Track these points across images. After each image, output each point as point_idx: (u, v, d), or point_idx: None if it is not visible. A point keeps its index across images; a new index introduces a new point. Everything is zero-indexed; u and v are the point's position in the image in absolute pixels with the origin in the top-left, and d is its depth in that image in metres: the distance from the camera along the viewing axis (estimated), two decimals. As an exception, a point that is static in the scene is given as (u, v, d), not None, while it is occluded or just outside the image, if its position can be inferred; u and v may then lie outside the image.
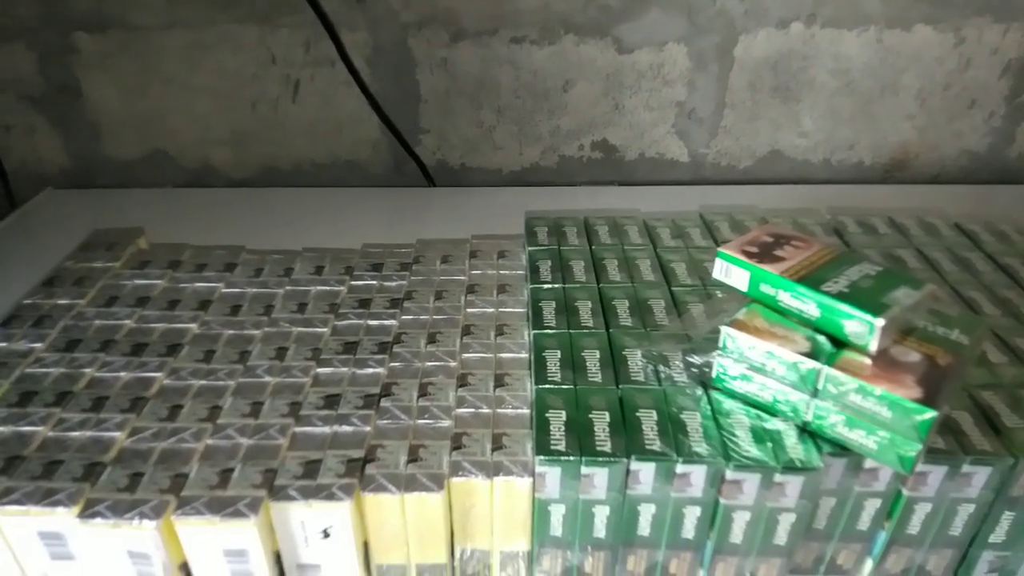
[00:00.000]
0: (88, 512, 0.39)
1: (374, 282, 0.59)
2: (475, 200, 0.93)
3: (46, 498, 0.39)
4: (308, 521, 0.40)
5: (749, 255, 0.43)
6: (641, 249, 0.59)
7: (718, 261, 0.44)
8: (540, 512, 0.41)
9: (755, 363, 0.42)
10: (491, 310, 0.54)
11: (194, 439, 0.43)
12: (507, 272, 0.59)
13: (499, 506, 0.41)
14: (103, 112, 0.95)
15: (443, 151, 0.98)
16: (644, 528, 0.42)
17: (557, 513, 0.42)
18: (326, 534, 0.41)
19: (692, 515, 0.41)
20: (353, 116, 0.93)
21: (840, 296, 0.40)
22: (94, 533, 0.39)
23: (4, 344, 0.51)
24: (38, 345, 0.51)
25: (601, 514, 0.41)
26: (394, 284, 0.58)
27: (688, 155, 0.98)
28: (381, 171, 0.99)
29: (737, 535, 0.42)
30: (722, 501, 0.41)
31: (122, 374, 0.49)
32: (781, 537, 0.42)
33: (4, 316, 0.55)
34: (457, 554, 0.44)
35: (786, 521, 0.41)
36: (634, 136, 0.97)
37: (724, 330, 0.42)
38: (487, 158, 0.98)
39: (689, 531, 0.42)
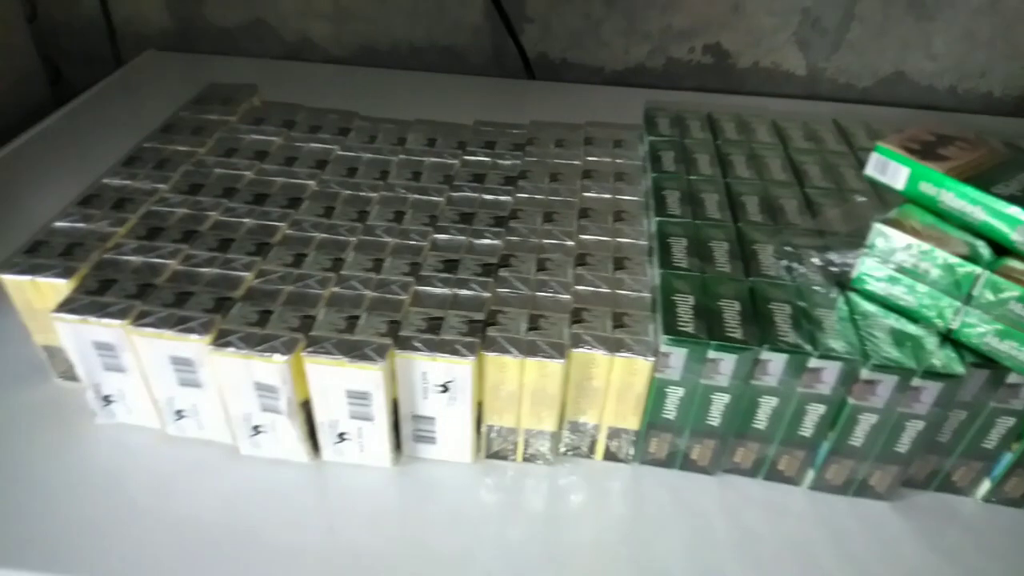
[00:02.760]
0: (221, 341, 0.40)
1: (487, 159, 0.57)
2: (574, 96, 0.90)
3: (179, 324, 0.41)
4: (430, 373, 0.40)
5: (911, 151, 0.40)
6: (771, 148, 0.56)
7: (874, 156, 0.42)
8: (656, 393, 0.41)
9: (904, 264, 0.40)
10: (608, 196, 0.53)
11: (319, 286, 0.44)
12: (623, 161, 0.57)
13: (616, 382, 0.41)
14: (211, -28, 0.94)
15: (545, 43, 0.94)
16: (761, 421, 0.42)
17: (674, 396, 0.41)
18: (445, 388, 0.41)
19: (815, 413, 0.41)
20: (458, -3, 0.90)
21: (1012, 199, 0.37)
22: (225, 362, 0.40)
23: (128, 181, 0.52)
24: (161, 186, 0.52)
25: (719, 402, 0.41)
26: (508, 163, 0.57)
27: (806, 68, 0.92)
28: (479, 60, 0.96)
29: (858, 437, 0.41)
30: (851, 401, 0.39)
31: (246, 220, 0.49)
32: (904, 444, 0.41)
33: (123, 158, 0.55)
34: (565, 424, 0.44)
35: (912, 429, 0.40)
36: (751, 42, 0.91)
37: (876, 227, 0.40)
38: (590, 54, 0.95)
39: (808, 428, 0.41)
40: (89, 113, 0.82)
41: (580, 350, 0.40)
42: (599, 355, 0.40)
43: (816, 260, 0.44)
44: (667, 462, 0.44)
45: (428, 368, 0.40)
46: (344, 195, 0.52)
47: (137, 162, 0.54)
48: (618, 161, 0.57)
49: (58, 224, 0.48)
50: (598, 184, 0.54)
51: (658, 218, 0.48)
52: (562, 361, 0.40)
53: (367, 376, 0.40)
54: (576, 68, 0.96)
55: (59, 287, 0.43)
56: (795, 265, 0.44)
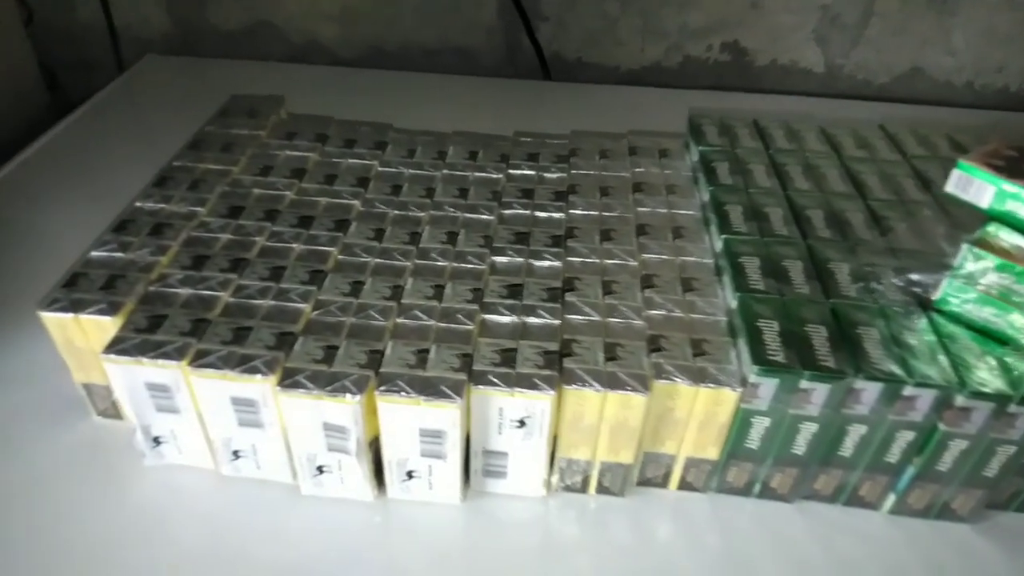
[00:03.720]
0: (288, 382, 0.38)
1: (532, 172, 0.55)
2: (592, 97, 0.88)
3: (242, 364, 0.38)
4: (507, 409, 0.39)
5: (995, 168, 0.39)
6: (825, 157, 0.54)
7: (956, 173, 0.40)
8: (741, 423, 0.40)
9: (994, 285, 0.38)
10: (664, 211, 0.51)
11: (382, 316, 0.42)
12: (672, 172, 0.56)
13: (699, 413, 0.40)
14: (214, -26, 0.91)
15: (560, 42, 0.92)
16: (847, 448, 0.40)
17: (759, 426, 0.40)
18: (522, 423, 0.39)
19: (903, 439, 0.39)
20: (472, -4, 0.88)
21: (1112, 220, 0.36)
22: (293, 403, 0.38)
23: (163, 205, 0.50)
24: (199, 209, 0.49)
25: (807, 431, 0.40)
26: (554, 176, 0.55)
27: (824, 65, 0.91)
28: (492, 61, 0.94)
29: (946, 463, 0.40)
30: (942, 428, 0.38)
31: (294, 245, 0.47)
32: (992, 469, 0.40)
33: (155, 177, 0.53)
34: (641, 455, 0.42)
35: (1003, 454, 0.39)
36: (769, 39, 0.90)
37: (967, 248, 0.39)
38: (606, 53, 0.93)
39: (894, 455, 0.40)
40: (93, 122, 0.78)
41: (663, 382, 0.39)
42: (683, 386, 0.39)
43: (896, 280, 0.43)
44: (744, 490, 0.43)
45: (505, 404, 0.39)
46: (392, 215, 0.50)
47: (169, 183, 0.52)
48: (667, 172, 0.56)
49: (95, 254, 0.45)
50: (651, 198, 0.52)
51: (724, 235, 0.46)
52: (646, 394, 0.38)
53: (443, 415, 0.38)
54: (591, 68, 0.94)
55: (104, 324, 0.41)
56: (874, 285, 0.43)
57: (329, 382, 0.38)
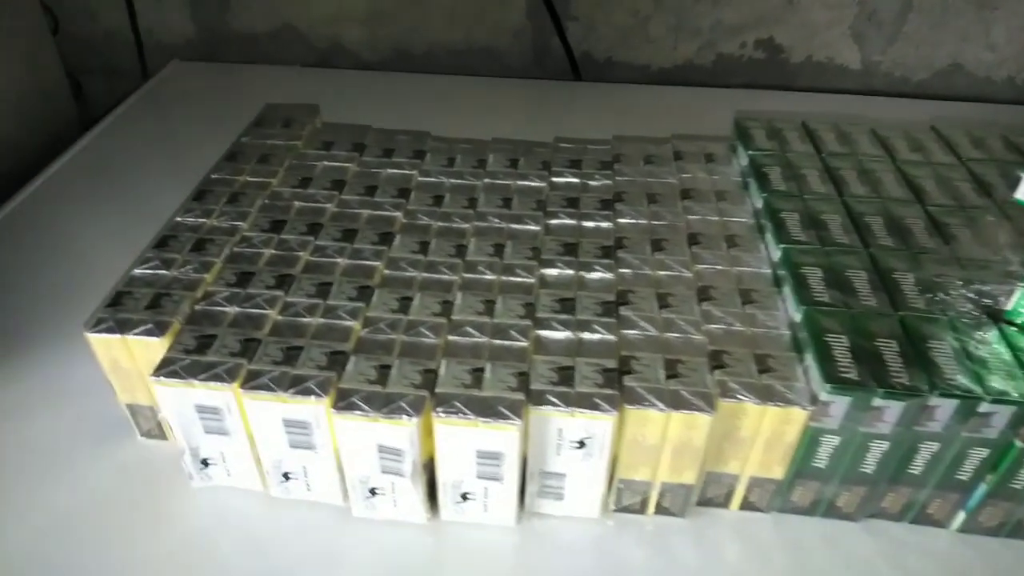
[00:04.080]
0: (343, 404, 0.37)
1: (576, 180, 0.54)
2: (622, 97, 0.87)
3: (295, 385, 0.37)
4: (567, 430, 0.38)
5: (1073, 175, 0.38)
6: (879, 161, 0.53)
7: (1029, 180, 0.39)
8: (809, 442, 0.38)
9: (1075, 298, 0.37)
10: (715, 219, 0.50)
11: (433, 334, 0.41)
12: (719, 178, 0.54)
13: (765, 432, 0.38)
14: (238, -20, 0.90)
15: (589, 42, 0.91)
16: (917, 466, 0.39)
17: (828, 445, 0.38)
18: (581, 444, 0.38)
19: (976, 456, 0.38)
20: (500, -4, 0.87)
21: None
22: (348, 426, 0.37)
23: (203, 220, 0.49)
24: (240, 224, 0.48)
25: (877, 450, 0.38)
26: (598, 183, 0.54)
27: (860, 62, 0.89)
28: (519, 62, 0.92)
29: (1022, 480, 0.38)
30: (1018, 444, 0.37)
31: (339, 260, 0.46)
32: (1072, 488, 0.38)
33: (194, 191, 0.52)
34: (703, 475, 0.41)
35: (1084, 472, 0.37)
36: (804, 36, 0.88)
37: (1046, 259, 0.37)
38: (637, 52, 0.91)
39: (966, 472, 0.39)
40: (121, 132, 0.78)
41: (728, 401, 0.37)
42: (750, 405, 0.37)
43: (964, 291, 0.41)
44: (809, 510, 0.42)
45: (565, 424, 0.37)
46: (436, 227, 0.49)
47: (208, 196, 0.51)
48: (714, 178, 0.54)
49: (138, 272, 0.44)
50: (701, 205, 0.51)
51: (783, 245, 0.45)
52: (712, 413, 0.37)
53: (502, 436, 0.37)
54: (621, 67, 0.92)
55: (152, 345, 0.40)
56: (942, 296, 0.41)
57: (385, 403, 0.37)
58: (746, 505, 0.42)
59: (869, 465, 0.39)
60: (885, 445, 0.38)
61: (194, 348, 0.39)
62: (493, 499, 0.40)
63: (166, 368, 0.38)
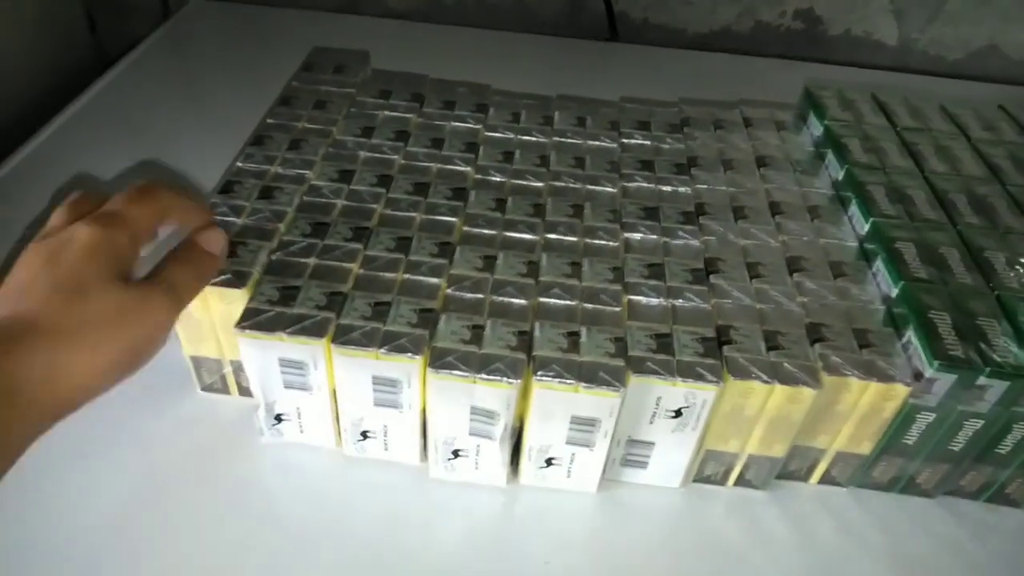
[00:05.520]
0: (439, 363, 0.35)
1: (648, 142, 0.53)
2: (661, 62, 0.85)
3: (387, 342, 0.36)
4: (665, 398, 0.37)
5: None
6: (953, 138, 0.52)
7: None
8: (905, 418, 0.38)
9: None
10: (794, 187, 0.49)
11: (521, 294, 0.39)
12: (791, 146, 0.53)
13: (863, 407, 0.38)
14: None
15: (626, 1, 0.88)
16: (1007, 446, 0.39)
17: (923, 422, 0.38)
18: (678, 413, 0.37)
19: (1070, 439, 0.38)
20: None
21: None
22: (443, 386, 0.36)
23: (267, 167, 0.46)
24: (306, 172, 0.46)
25: (970, 428, 0.38)
26: (670, 147, 0.52)
27: (897, 38, 0.88)
28: (552, 17, 0.90)
29: (1111, 465, 0.38)
30: (1116, 429, 0.37)
31: (414, 215, 0.44)
32: None
33: (252, 136, 0.49)
34: (792, 449, 0.41)
35: None
36: (844, 8, 0.87)
37: None
38: (674, 14, 0.89)
39: (1056, 455, 0.39)
40: (142, 71, 0.74)
41: (832, 376, 0.37)
42: (854, 380, 0.37)
43: (1059, 271, 0.41)
44: (888, 486, 0.42)
45: (665, 393, 0.36)
46: (510, 184, 0.47)
47: (268, 142, 0.48)
48: (787, 146, 0.53)
49: (206, 217, 0.42)
50: (778, 174, 0.50)
51: (874, 218, 0.44)
52: (818, 388, 0.36)
53: (602, 403, 0.36)
54: (656, 29, 0.90)
55: (232, 296, 0.38)
56: (1036, 276, 0.41)
57: (483, 365, 0.35)
58: (826, 479, 0.42)
59: (959, 443, 0.39)
60: (979, 424, 0.38)
61: (277, 300, 0.38)
62: (578, 465, 0.39)
63: (251, 320, 0.36)
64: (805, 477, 0.42)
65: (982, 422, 0.38)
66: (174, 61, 0.79)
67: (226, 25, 0.85)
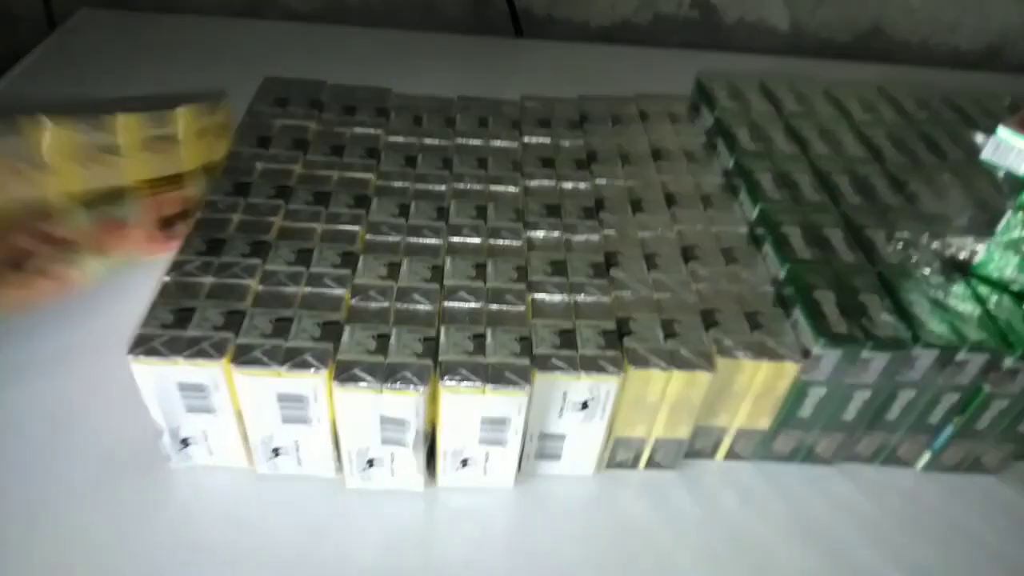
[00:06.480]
0: (345, 376, 0.35)
1: (548, 140, 0.53)
2: (565, 57, 0.86)
3: (290, 359, 0.36)
4: (571, 392, 0.38)
5: (1035, 135, 0.40)
6: (837, 121, 0.55)
7: (994, 139, 0.41)
8: (796, 394, 0.40)
9: (1035, 251, 0.40)
10: (688, 178, 0.50)
11: (427, 300, 0.40)
12: (685, 138, 0.55)
13: (757, 386, 0.40)
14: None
15: (529, -2, 0.89)
16: (894, 413, 0.41)
17: (814, 396, 0.40)
18: (584, 405, 0.38)
19: (948, 401, 0.41)
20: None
21: None
22: (350, 398, 0.36)
23: (158, 183, 0.45)
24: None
25: (859, 399, 0.40)
26: (569, 144, 0.53)
27: (789, 23, 0.92)
28: (458, 16, 0.90)
29: (984, 421, 0.41)
30: (986, 389, 0.40)
31: (315, 225, 0.43)
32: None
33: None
34: (694, 429, 0.42)
35: (1039, 412, 0.41)
36: (736, -4, 0.90)
37: (1013, 214, 0.40)
38: (576, 8, 0.90)
39: (937, 416, 0.41)
40: (30, 86, 0.71)
41: (725, 359, 0.38)
42: (746, 362, 0.38)
43: (934, 246, 0.44)
44: (789, 456, 0.44)
45: (570, 387, 0.37)
46: (413, 189, 0.47)
47: (160, 158, 0.47)
48: (681, 138, 0.55)
49: (94, 241, 0.41)
50: (672, 165, 0.51)
51: (761, 204, 0.46)
52: (712, 371, 0.38)
53: (510, 402, 0.36)
54: (560, 24, 0.91)
55: (124, 321, 0.37)
56: (913, 252, 0.43)
57: (389, 374, 0.35)
58: (731, 455, 0.44)
59: (850, 414, 0.41)
60: (867, 394, 0.40)
61: (172, 323, 0.37)
62: (494, 463, 0.40)
63: (144, 345, 0.36)
64: (711, 455, 0.44)
65: (870, 392, 0.40)
66: (63, 72, 0.75)
67: (118, 34, 0.82)
